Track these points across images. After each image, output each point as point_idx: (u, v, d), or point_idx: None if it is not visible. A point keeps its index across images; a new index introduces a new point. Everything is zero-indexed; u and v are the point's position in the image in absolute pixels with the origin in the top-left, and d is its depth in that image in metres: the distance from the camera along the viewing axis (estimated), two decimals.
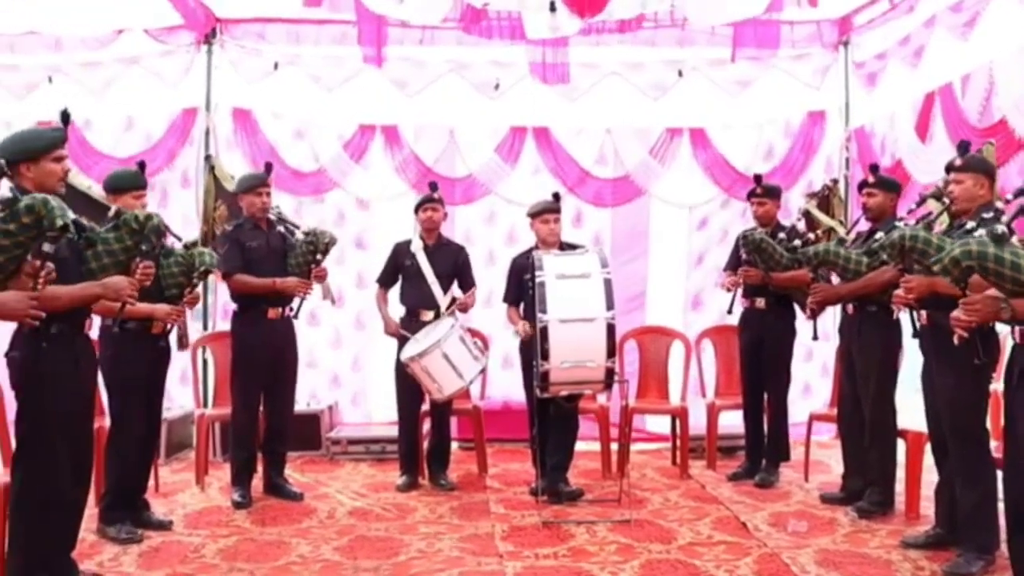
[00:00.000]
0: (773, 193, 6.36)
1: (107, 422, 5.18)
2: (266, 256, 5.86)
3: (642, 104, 7.78)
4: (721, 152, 7.93)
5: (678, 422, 6.75)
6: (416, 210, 6.40)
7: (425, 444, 6.48)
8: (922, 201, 4.88)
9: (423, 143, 7.91)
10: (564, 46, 7.17)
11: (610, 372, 5.31)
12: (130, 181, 5.10)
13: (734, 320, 6.54)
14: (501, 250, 7.73)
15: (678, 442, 6.80)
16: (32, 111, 7.34)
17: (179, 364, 6.75)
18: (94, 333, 4.43)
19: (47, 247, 3.31)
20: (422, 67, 7.63)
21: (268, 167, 6.10)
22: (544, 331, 5.20)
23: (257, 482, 6.05)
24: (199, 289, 5.44)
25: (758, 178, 6.42)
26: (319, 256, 5.84)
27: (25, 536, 4.02)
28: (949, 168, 4.55)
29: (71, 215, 3.68)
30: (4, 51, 7.42)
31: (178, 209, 7.40)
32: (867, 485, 5.47)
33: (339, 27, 7.33)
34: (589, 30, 6.90)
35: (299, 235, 5.93)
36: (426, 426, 6.51)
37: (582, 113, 7.82)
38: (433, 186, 6.44)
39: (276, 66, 7.54)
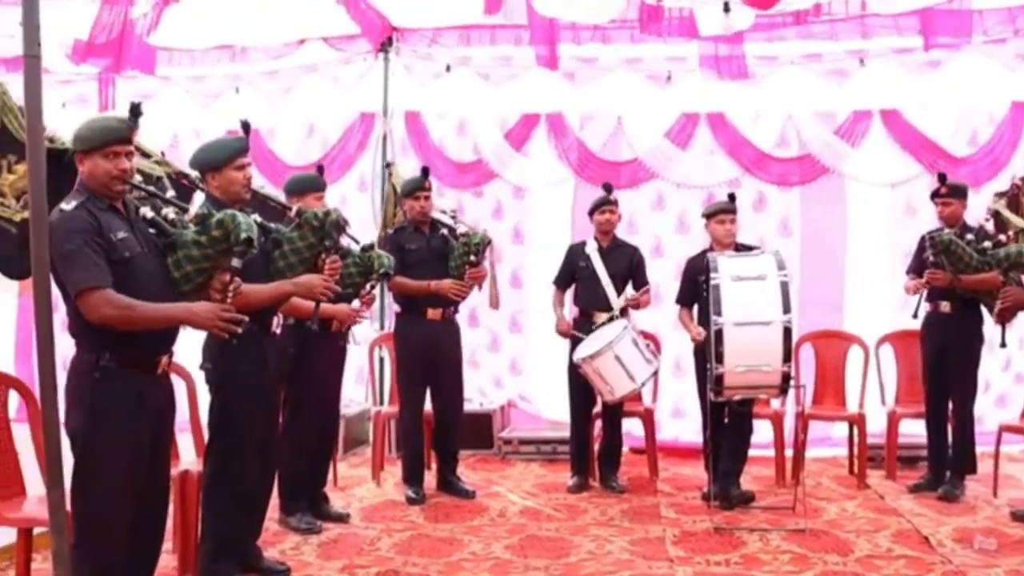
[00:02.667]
0: (959, 192, 6.05)
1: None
2: (426, 259, 5.91)
3: (824, 88, 7.41)
4: (920, 130, 7.36)
5: (856, 429, 6.54)
6: (591, 213, 6.38)
7: (596, 446, 6.48)
8: None
9: (589, 130, 7.77)
10: (739, 42, 7.03)
11: (786, 377, 5.19)
12: (310, 183, 5.30)
13: (916, 324, 6.26)
14: (671, 239, 7.57)
15: (855, 450, 6.59)
16: (218, 119, 7.75)
17: (356, 362, 6.98)
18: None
19: (235, 262, 3.44)
20: (593, 63, 7.57)
21: (425, 171, 6.13)
22: (719, 334, 5.12)
23: (430, 479, 6.20)
24: (375, 290, 5.61)
25: (942, 177, 6.12)
26: (472, 258, 5.86)
27: (216, 523, 4.25)
28: None
29: (257, 218, 3.87)
30: (192, 63, 7.83)
31: (356, 213, 7.55)
32: None
33: (512, 31, 7.41)
34: (764, 27, 6.76)
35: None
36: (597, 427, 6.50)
37: (759, 99, 7.50)
38: (608, 188, 6.41)
39: (448, 68, 7.68)
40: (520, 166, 7.86)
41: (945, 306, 5.98)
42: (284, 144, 8.02)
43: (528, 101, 7.77)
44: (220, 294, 3.44)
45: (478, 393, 7.69)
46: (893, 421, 6.46)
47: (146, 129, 3.42)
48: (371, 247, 5.24)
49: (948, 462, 6.05)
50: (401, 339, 6.11)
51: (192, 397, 4.84)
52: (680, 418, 7.45)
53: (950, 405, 6.04)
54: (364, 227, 7.31)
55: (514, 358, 8.00)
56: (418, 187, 6.00)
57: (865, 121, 7.47)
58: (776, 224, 7.53)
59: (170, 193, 3.69)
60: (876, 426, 6.55)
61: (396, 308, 6.25)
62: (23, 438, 3.90)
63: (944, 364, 6.00)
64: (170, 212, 3.56)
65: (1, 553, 4.31)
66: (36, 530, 3.84)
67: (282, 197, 5.27)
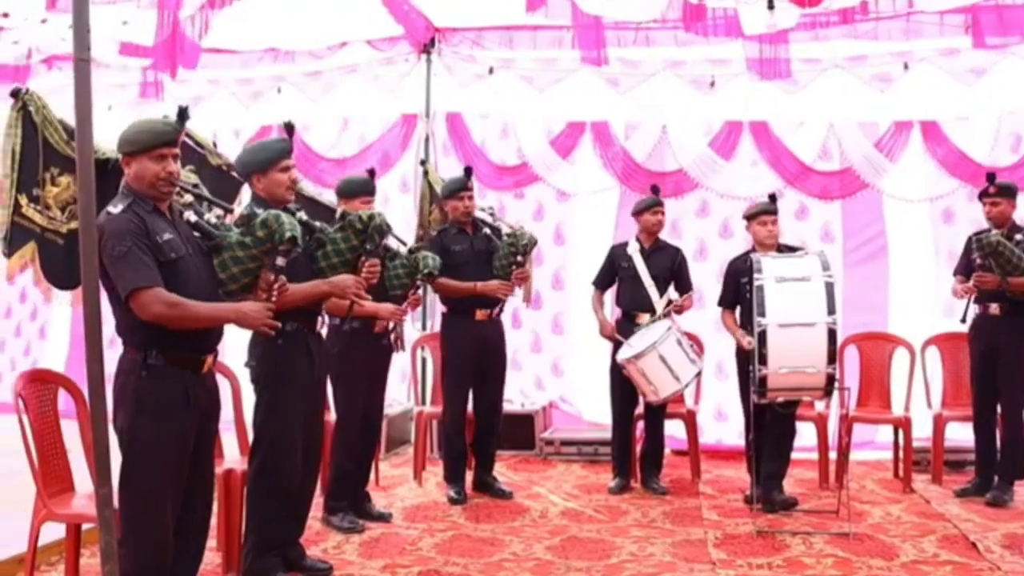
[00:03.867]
0: (1008, 192, 5.95)
1: (332, 416, 5.44)
2: (471, 259, 5.92)
3: (867, 96, 7.35)
4: (958, 146, 7.28)
5: (901, 432, 6.46)
6: (639, 213, 6.35)
7: (638, 448, 6.46)
8: None
9: (634, 140, 7.77)
10: (784, 42, 6.97)
11: (830, 379, 5.14)
12: (361, 187, 5.32)
13: (962, 326, 6.16)
14: (714, 242, 7.58)
15: (900, 454, 6.50)
16: (259, 119, 7.82)
17: (399, 362, 7.01)
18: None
19: (280, 261, 3.50)
20: (636, 66, 7.55)
21: (468, 171, 6.12)
22: (762, 335, 5.08)
23: (469, 478, 6.21)
24: (420, 291, 5.63)
25: (991, 176, 6.03)
26: (519, 258, 5.86)
27: (259, 520, 4.30)
28: None
29: (303, 216, 3.92)
30: (233, 64, 7.91)
31: (398, 214, 7.60)
32: None
33: (555, 32, 7.39)
34: (809, 25, 6.70)
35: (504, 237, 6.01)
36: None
37: (802, 106, 7.47)
38: (655, 189, 6.39)
39: (491, 71, 7.69)
40: (565, 172, 7.87)
41: (994, 308, 5.89)
42: (318, 136, 8.07)
43: (572, 107, 7.77)
44: (266, 293, 3.50)
45: (520, 394, 7.71)
46: (939, 424, 6.37)
47: (189, 129, 3.47)
48: (418, 248, 5.28)
49: (997, 467, 5.96)
50: (450, 339, 6.10)
51: (237, 396, 4.89)
52: (723, 420, 7.42)
53: (999, 409, 5.95)
54: (405, 227, 7.36)
55: (555, 359, 8.00)
56: (461, 187, 6.00)
57: (905, 133, 7.40)
58: (818, 230, 7.51)
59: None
60: (921, 430, 6.46)
61: (443, 309, 6.26)
62: (72, 435, 3.97)
63: (993, 367, 5.91)
64: (212, 216, 3.62)
65: (51, 548, 4.39)
66: (85, 526, 3.91)
67: (334, 199, 5.31)
